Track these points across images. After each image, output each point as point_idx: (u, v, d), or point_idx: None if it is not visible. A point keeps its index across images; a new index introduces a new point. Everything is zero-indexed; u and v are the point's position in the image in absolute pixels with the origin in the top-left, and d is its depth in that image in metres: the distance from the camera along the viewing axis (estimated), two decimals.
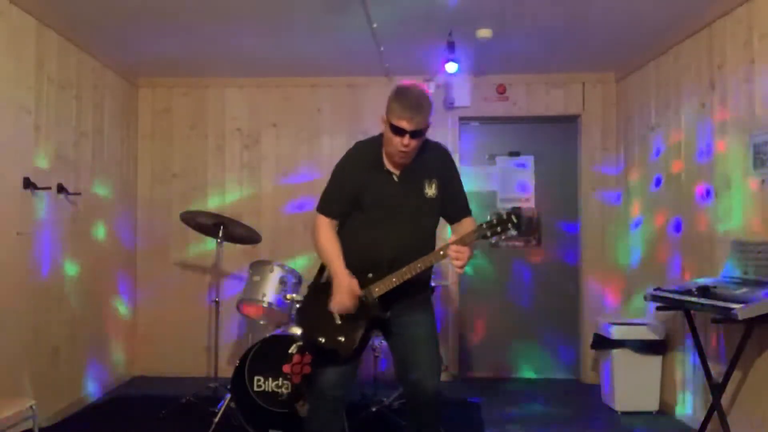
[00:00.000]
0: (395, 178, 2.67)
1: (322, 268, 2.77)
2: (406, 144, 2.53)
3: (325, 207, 2.74)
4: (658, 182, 4.65)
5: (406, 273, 2.56)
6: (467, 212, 2.82)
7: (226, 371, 4.46)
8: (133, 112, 5.48)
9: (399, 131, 2.52)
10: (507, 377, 5.45)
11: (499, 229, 2.50)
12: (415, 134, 2.53)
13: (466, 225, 2.74)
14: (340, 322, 2.63)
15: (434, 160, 2.72)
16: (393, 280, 2.58)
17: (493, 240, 2.56)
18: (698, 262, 4.05)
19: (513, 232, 2.51)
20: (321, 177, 5.11)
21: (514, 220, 2.50)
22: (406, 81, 2.64)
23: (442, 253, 2.55)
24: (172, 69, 5.30)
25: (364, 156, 2.71)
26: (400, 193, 2.66)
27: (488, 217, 2.54)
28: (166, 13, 4.00)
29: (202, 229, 4.42)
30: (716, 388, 3.46)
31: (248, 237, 4.44)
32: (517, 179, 5.54)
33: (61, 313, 4.25)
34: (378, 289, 2.59)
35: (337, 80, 5.48)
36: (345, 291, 2.57)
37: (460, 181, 2.82)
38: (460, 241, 2.53)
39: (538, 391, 5.08)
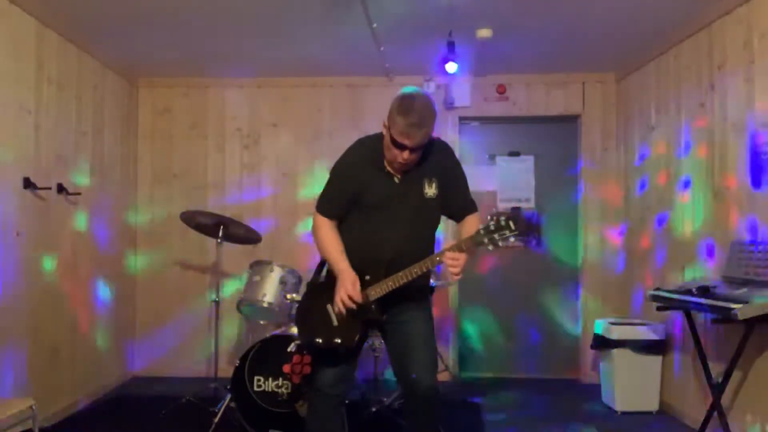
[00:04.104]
0: (396, 179, 2.62)
1: (320, 267, 2.76)
2: (405, 158, 2.50)
3: (324, 207, 2.70)
4: (657, 183, 4.65)
5: (403, 277, 2.53)
6: (471, 209, 2.76)
7: (226, 371, 4.45)
8: (133, 112, 5.48)
9: (400, 146, 2.47)
10: (507, 377, 5.45)
11: (496, 235, 2.40)
12: (415, 150, 2.49)
13: (470, 222, 2.70)
14: (337, 324, 2.62)
15: (435, 158, 2.66)
16: (390, 284, 2.55)
17: (490, 248, 2.46)
18: (698, 262, 4.05)
19: (512, 239, 2.44)
20: (321, 177, 5.10)
21: (512, 226, 2.38)
22: (409, 88, 2.54)
23: (438, 258, 2.51)
24: (172, 69, 5.30)
25: (365, 154, 2.65)
26: (400, 194, 2.61)
27: (487, 219, 2.43)
28: (166, 13, 4.00)
29: (202, 229, 4.43)
30: (716, 388, 3.46)
31: (248, 237, 4.44)
32: (517, 179, 5.54)
33: (61, 313, 4.25)
34: (374, 292, 2.57)
35: (337, 80, 5.48)
36: (349, 289, 2.54)
37: (462, 177, 2.75)
38: (456, 247, 2.48)
39: (538, 391, 5.08)
